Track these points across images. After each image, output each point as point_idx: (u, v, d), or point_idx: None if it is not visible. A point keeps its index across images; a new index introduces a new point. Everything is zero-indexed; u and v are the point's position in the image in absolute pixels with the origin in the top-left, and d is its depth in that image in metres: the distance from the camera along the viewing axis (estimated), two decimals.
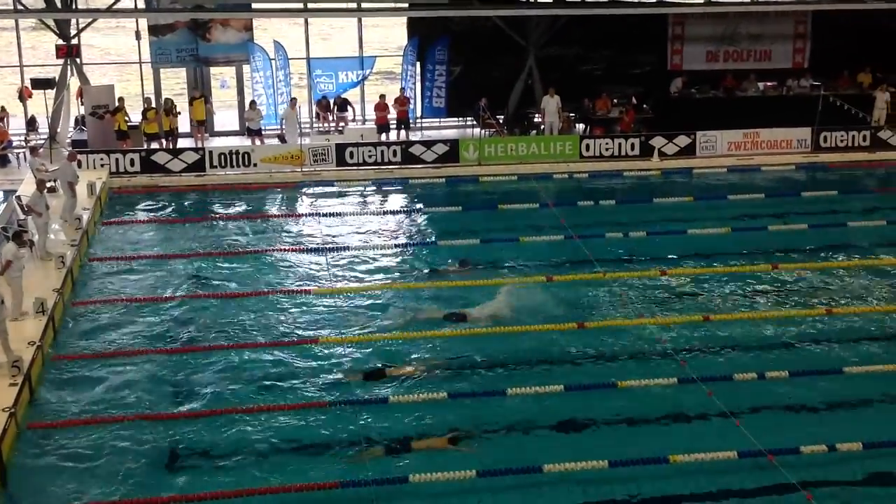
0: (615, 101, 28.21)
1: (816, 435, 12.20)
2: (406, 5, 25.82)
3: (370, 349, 14.90)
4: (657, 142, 25.63)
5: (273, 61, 27.12)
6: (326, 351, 14.83)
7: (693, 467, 11.59)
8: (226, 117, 28.97)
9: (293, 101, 26.05)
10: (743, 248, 19.17)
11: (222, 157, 24.35)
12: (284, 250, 19.18)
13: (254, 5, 26.23)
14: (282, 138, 25.97)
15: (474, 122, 28.02)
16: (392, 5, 25.85)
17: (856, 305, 16.47)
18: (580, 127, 28.05)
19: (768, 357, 14.63)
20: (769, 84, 29.18)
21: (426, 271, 18.28)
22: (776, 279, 17.67)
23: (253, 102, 26.43)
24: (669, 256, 18.76)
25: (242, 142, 26.26)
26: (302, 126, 26.57)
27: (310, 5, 25.11)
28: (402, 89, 27.60)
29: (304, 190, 23.69)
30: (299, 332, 15.53)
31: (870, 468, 11.78)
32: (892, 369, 13.99)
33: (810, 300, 16.75)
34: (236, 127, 28.19)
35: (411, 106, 27.65)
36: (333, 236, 20.14)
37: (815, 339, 15.28)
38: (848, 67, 28.91)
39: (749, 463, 11.62)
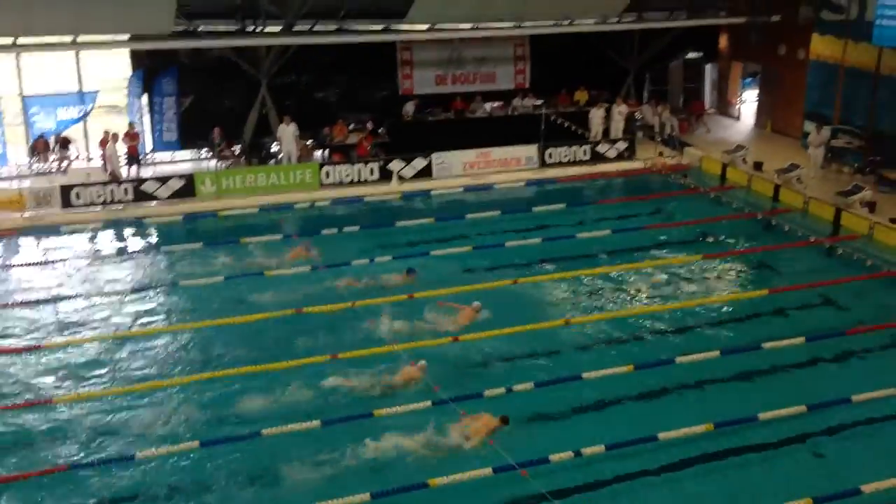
0: (351, 126, 28.47)
1: (562, 442, 12.79)
2: (126, 38, 24.68)
3: (111, 404, 14.08)
4: (395, 166, 26.06)
5: None
6: (63, 410, 13.88)
7: (452, 489, 11.77)
8: None
9: (115, 135, 24.79)
10: (484, 265, 19.84)
11: None
12: (7, 305, 17.73)
13: None
14: (114, 176, 24.42)
15: (210, 154, 27.27)
16: (111, 38, 24.58)
17: (593, 313, 17.40)
18: (319, 154, 28.05)
19: (515, 370, 15.15)
20: (496, 104, 30.53)
21: (165, 315, 17.54)
22: (516, 293, 18.36)
23: None
24: (415, 279, 18.99)
25: None
26: (20, 167, 24.76)
27: (21, 41, 23.38)
28: (131, 123, 26.34)
29: (26, 237, 21.97)
30: (31, 392, 14.40)
31: (615, 469, 12.47)
32: (625, 371, 14.95)
33: (550, 311, 17.53)
34: None
35: (141, 141, 26.45)
36: (62, 285, 18.87)
37: (555, 348, 16.01)
38: (566, 86, 30.83)
39: (505, 478, 11.97)
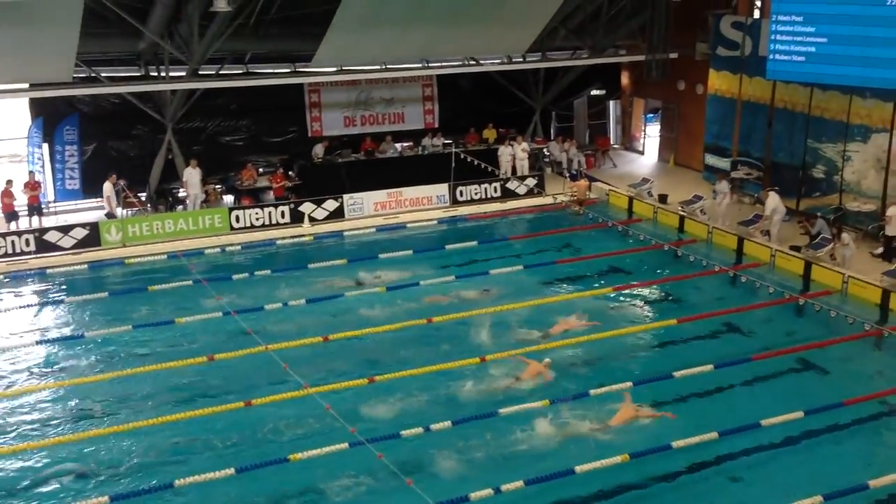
0: (261, 170, 28.27)
1: (483, 480, 12.77)
2: (26, 86, 24.13)
3: (17, 461, 13.65)
4: (306, 207, 25.90)
5: None
6: None
7: None
8: None
9: (113, 175, 25.01)
10: (398, 305, 19.78)
11: None
12: None
13: None
14: (109, 215, 24.64)
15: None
16: (10, 87, 23.99)
17: (506, 350, 17.36)
18: (228, 198, 27.74)
19: (433, 410, 15.10)
20: (406, 144, 30.69)
21: (76, 366, 17.01)
22: (430, 333, 18.32)
23: None
24: (329, 322, 18.82)
25: None
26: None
27: None
28: (31, 173, 25.65)
29: None
30: None
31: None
32: (540, 406, 15.03)
33: (464, 350, 17.50)
34: None
35: (42, 190, 25.78)
36: None
37: (473, 386, 16.02)
38: (474, 125, 31.21)
39: None
